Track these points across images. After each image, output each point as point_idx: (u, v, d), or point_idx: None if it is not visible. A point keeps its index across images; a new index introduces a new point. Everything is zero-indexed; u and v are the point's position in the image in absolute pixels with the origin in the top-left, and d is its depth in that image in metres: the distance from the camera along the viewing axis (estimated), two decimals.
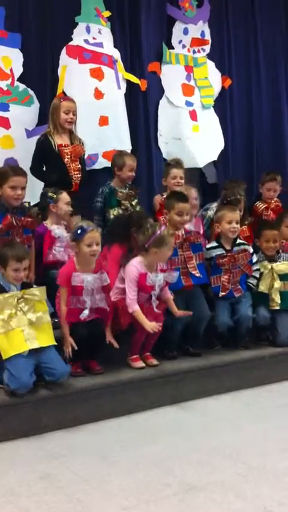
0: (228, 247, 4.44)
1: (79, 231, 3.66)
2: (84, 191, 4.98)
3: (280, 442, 3.15)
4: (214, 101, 6.61)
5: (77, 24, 5.64)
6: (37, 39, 5.46)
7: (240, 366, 4.23)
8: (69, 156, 4.79)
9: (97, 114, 5.60)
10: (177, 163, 5.41)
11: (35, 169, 4.85)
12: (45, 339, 3.41)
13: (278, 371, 4.42)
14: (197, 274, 4.19)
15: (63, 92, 5.41)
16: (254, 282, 4.58)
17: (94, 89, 5.62)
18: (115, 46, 5.88)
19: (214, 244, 4.48)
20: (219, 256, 4.34)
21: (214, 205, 5.43)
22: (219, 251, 4.39)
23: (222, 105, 6.72)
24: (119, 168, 5.05)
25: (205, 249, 4.39)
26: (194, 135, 6.38)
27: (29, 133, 5.26)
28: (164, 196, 5.12)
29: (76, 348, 3.59)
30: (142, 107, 6.07)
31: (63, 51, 5.53)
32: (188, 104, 6.41)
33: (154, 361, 3.95)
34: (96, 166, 5.50)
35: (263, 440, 3.19)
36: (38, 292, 3.47)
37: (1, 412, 3.20)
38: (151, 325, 3.73)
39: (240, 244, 4.51)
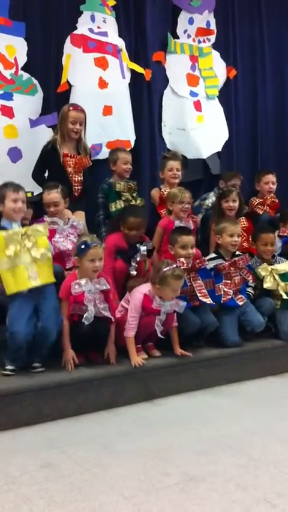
0: (227, 258, 4.42)
1: (82, 246, 3.65)
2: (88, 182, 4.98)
3: (281, 433, 3.16)
4: (219, 92, 6.59)
5: (81, 12, 5.61)
6: (41, 28, 5.45)
7: (242, 358, 4.24)
8: (72, 168, 4.76)
9: (101, 103, 5.58)
10: (174, 155, 5.40)
11: (36, 175, 4.87)
12: (45, 276, 3.49)
13: (280, 363, 4.43)
14: (208, 302, 4.12)
15: (68, 81, 5.39)
16: (252, 291, 4.59)
17: (98, 78, 5.61)
18: (120, 35, 5.86)
19: (213, 255, 4.48)
20: (219, 266, 4.31)
21: (211, 194, 5.48)
22: (219, 261, 4.37)
23: (227, 95, 6.70)
24: (113, 163, 5.08)
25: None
26: (198, 125, 6.36)
27: (33, 123, 5.26)
28: (162, 190, 5.13)
29: (77, 361, 3.61)
30: (146, 97, 6.05)
31: (68, 40, 5.52)
32: (193, 94, 6.38)
33: (157, 353, 3.96)
34: (100, 156, 5.49)
35: (264, 432, 3.19)
36: (41, 228, 3.53)
37: (3, 401, 3.21)
38: (136, 360, 3.72)
39: (238, 255, 4.47)
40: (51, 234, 4.16)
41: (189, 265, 4.12)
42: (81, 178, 4.83)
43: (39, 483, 2.56)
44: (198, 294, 4.09)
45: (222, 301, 4.25)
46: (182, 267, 3.94)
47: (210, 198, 5.53)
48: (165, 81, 6.25)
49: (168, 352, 4.01)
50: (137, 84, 5.97)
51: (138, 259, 4.29)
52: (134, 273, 4.28)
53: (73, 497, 2.43)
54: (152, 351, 3.97)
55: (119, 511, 2.31)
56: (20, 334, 3.36)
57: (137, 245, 4.36)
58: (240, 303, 4.31)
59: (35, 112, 5.31)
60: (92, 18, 5.66)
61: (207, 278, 4.21)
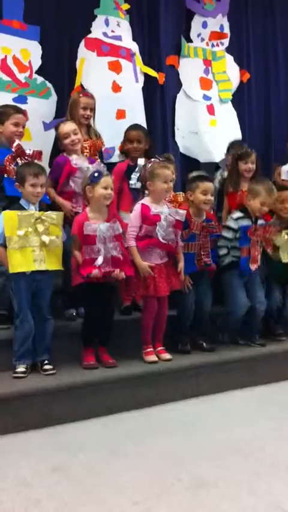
0: (252, 219, 4.32)
1: (96, 174, 3.72)
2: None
3: None
4: (232, 95, 6.57)
5: (95, 16, 5.63)
6: (56, 32, 5.48)
7: (254, 362, 4.21)
8: (88, 151, 4.77)
9: (114, 107, 5.59)
10: (168, 159, 5.35)
11: None
12: (53, 263, 3.58)
13: None
14: (208, 262, 4.16)
15: (81, 85, 5.41)
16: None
17: (112, 82, 5.61)
18: (133, 39, 5.87)
19: (240, 214, 4.32)
20: (249, 229, 4.22)
21: (219, 172, 5.49)
22: (247, 222, 4.26)
23: (240, 99, 6.68)
24: None
25: (230, 217, 4.36)
26: (211, 129, 6.34)
27: (47, 126, 5.27)
28: None
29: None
30: (159, 101, 6.06)
31: (82, 43, 5.53)
32: (206, 97, 6.38)
33: (167, 356, 3.94)
34: (113, 159, 5.48)
35: (276, 437, 3.17)
36: (55, 216, 3.62)
37: (14, 404, 3.22)
38: (144, 266, 3.80)
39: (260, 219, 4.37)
40: (72, 171, 4.18)
41: (204, 224, 4.13)
42: (98, 160, 4.83)
43: (50, 486, 2.56)
44: (202, 252, 4.14)
45: (253, 270, 4.22)
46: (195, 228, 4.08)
47: (216, 178, 5.47)
48: (179, 85, 6.25)
49: (180, 356, 4.00)
50: (150, 88, 5.97)
51: (138, 173, 4.35)
52: (133, 184, 4.40)
53: (83, 501, 2.43)
54: (162, 355, 3.94)
55: None
56: (29, 317, 3.53)
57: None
58: (254, 268, 4.26)
59: (49, 115, 5.33)
60: (106, 22, 5.68)
61: (213, 237, 4.24)
